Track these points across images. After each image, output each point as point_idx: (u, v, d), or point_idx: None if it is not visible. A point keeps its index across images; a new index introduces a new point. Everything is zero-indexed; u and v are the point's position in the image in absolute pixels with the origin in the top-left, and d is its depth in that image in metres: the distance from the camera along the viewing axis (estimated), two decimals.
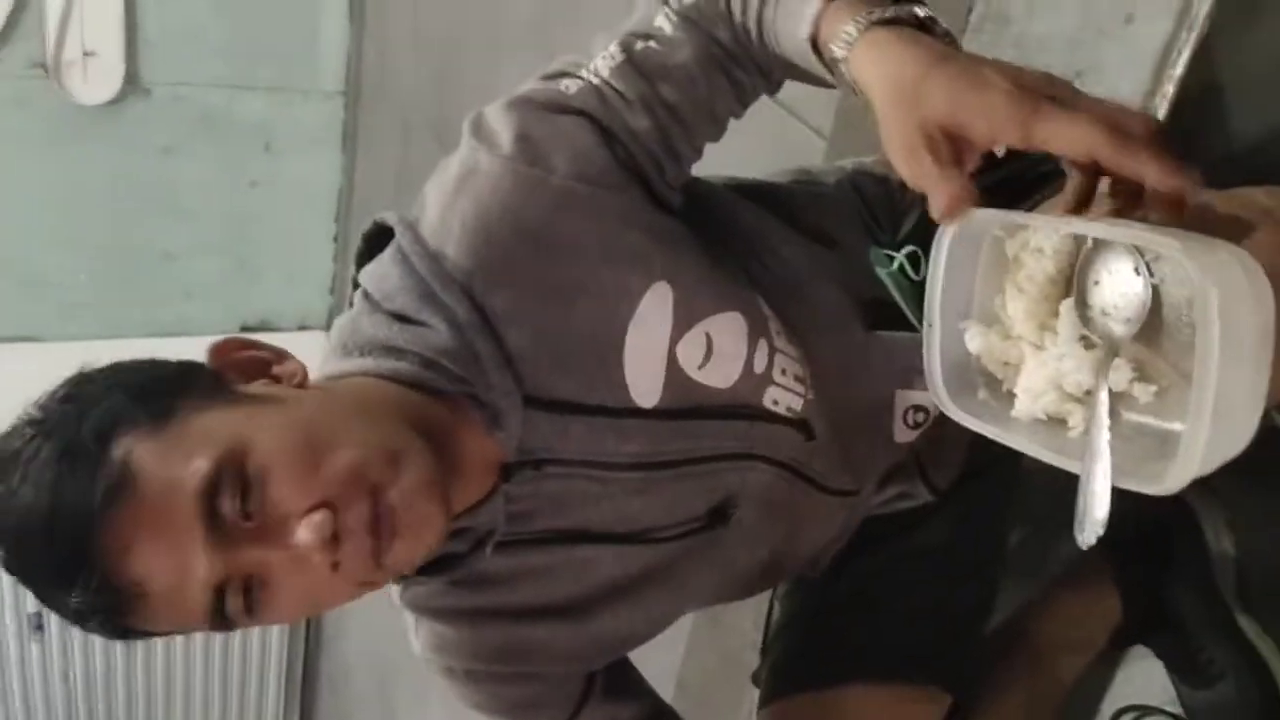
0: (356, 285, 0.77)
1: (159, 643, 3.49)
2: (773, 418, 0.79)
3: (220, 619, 0.64)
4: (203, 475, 0.62)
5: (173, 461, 0.62)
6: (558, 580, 0.80)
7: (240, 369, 0.71)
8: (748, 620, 1.11)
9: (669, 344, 0.74)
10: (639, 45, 0.73)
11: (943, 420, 0.86)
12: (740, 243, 0.80)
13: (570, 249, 0.71)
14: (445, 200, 0.72)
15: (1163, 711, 0.95)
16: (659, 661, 1.25)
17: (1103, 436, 0.47)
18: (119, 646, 3.42)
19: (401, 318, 0.72)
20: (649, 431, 0.75)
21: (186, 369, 0.69)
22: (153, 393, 0.65)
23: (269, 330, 3.25)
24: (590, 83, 0.72)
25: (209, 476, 0.62)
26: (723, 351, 0.75)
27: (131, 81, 2.87)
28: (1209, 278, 0.41)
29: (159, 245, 3.06)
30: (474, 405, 0.71)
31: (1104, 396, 0.48)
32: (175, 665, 3.59)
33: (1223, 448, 0.45)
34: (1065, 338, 0.51)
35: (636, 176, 0.73)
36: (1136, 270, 0.46)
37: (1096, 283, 0.48)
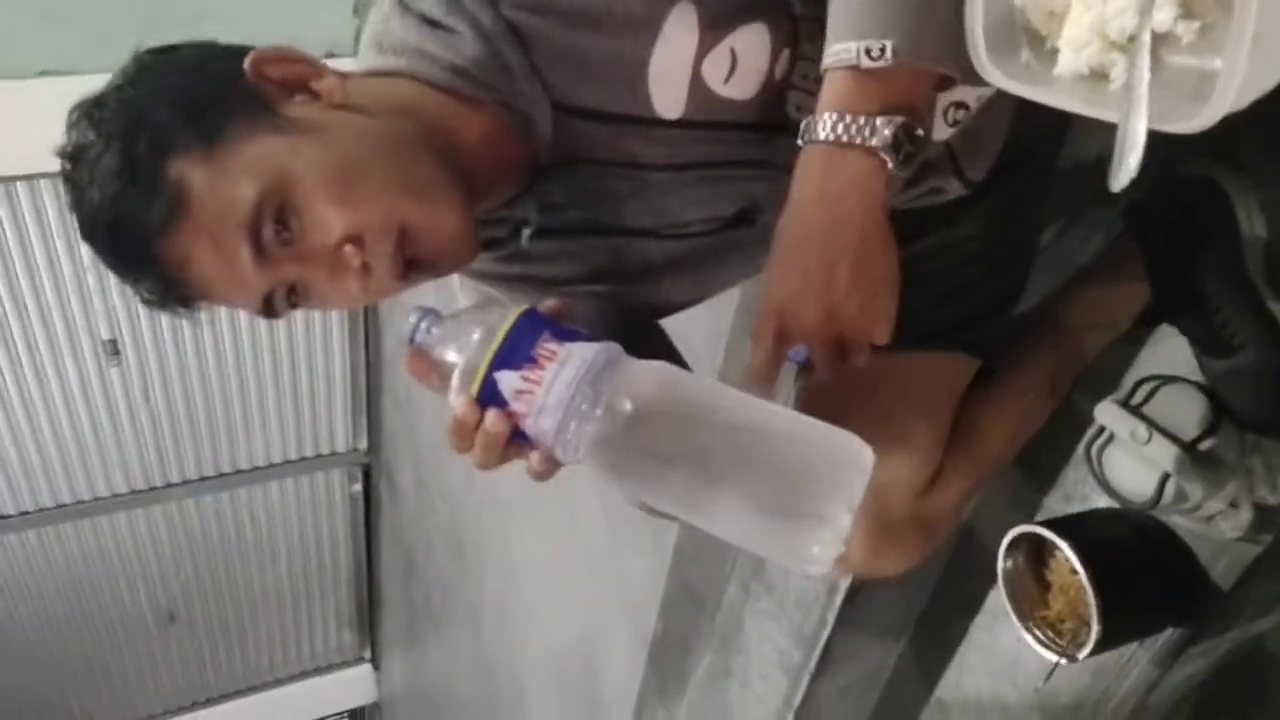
0: None
1: (231, 362, 3.69)
2: (796, 125, 0.80)
3: (270, 312, 0.73)
4: (248, 206, 0.67)
5: (221, 190, 0.67)
6: (590, 261, 0.86)
7: (280, 83, 0.73)
8: None
9: (694, 61, 0.75)
10: None
11: (979, 112, 0.86)
12: None
13: None
14: None
15: (1184, 379, 1.01)
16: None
17: (1143, 77, 0.48)
18: (194, 367, 3.63)
19: (431, 22, 0.73)
20: (673, 139, 0.78)
21: (232, 79, 0.71)
22: (204, 111, 0.69)
23: None
24: None
25: (253, 208, 0.67)
26: (746, 64, 0.76)
27: None
28: None
29: None
30: (505, 110, 0.75)
31: (1147, 36, 0.48)
32: (249, 383, 3.81)
33: (1259, 79, 0.46)
34: None
35: None
36: None
37: None
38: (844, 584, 1.38)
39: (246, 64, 0.72)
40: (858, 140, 0.64)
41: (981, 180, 0.93)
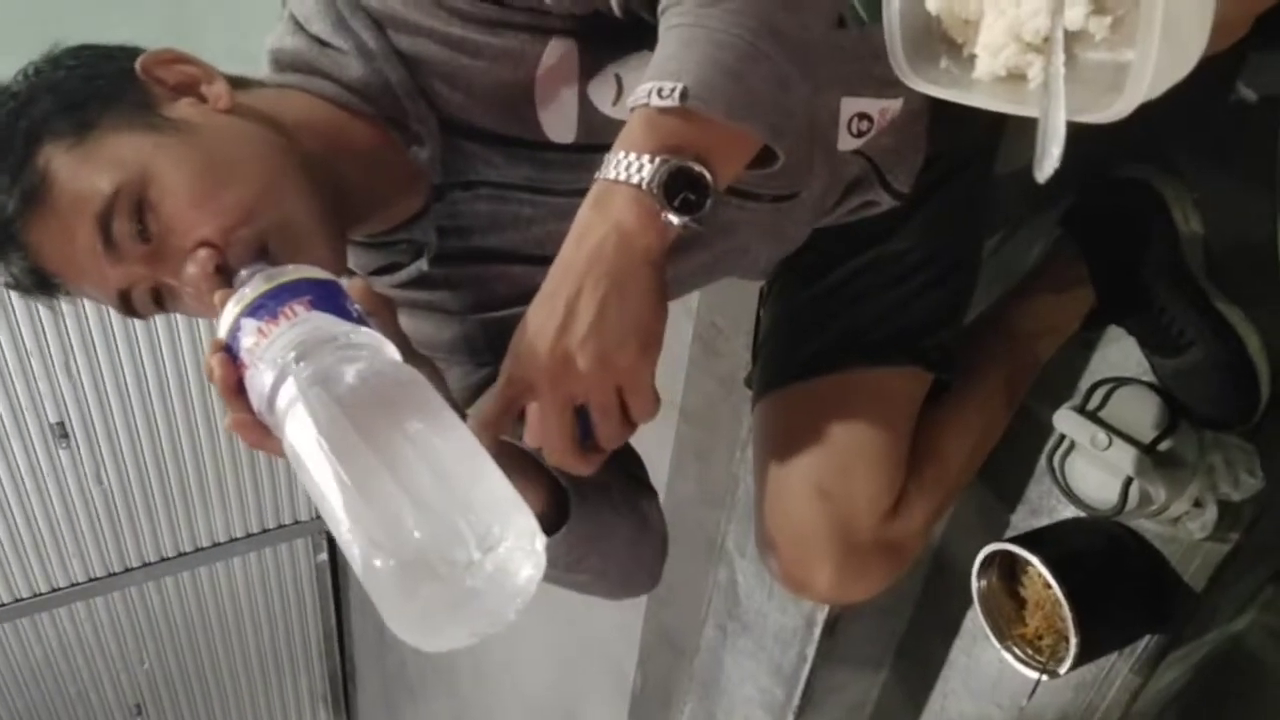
0: None
1: (184, 437, 3.60)
2: None
3: (130, 310, 0.72)
4: (101, 199, 0.67)
5: (81, 180, 0.67)
6: (491, 289, 0.85)
7: (172, 86, 0.73)
8: (741, 343, 1.16)
9: (578, 87, 0.74)
10: None
11: (895, 128, 0.86)
12: None
13: (462, 16, 0.72)
14: None
15: (1137, 380, 1.00)
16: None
17: (1059, 72, 0.47)
18: (146, 444, 3.54)
19: (321, 42, 0.74)
20: (569, 163, 0.77)
21: (122, 77, 0.72)
22: (84, 103, 0.69)
23: None
24: None
25: (106, 200, 0.66)
26: (635, 88, 0.74)
27: None
28: None
29: None
30: (393, 128, 0.75)
31: (1060, 33, 0.48)
32: (203, 456, 3.72)
33: (1172, 68, 0.45)
34: None
35: None
36: None
37: None
38: (821, 617, 1.36)
39: (138, 63, 0.72)
40: (625, 178, 0.59)
41: (914, 192, 0.93)
